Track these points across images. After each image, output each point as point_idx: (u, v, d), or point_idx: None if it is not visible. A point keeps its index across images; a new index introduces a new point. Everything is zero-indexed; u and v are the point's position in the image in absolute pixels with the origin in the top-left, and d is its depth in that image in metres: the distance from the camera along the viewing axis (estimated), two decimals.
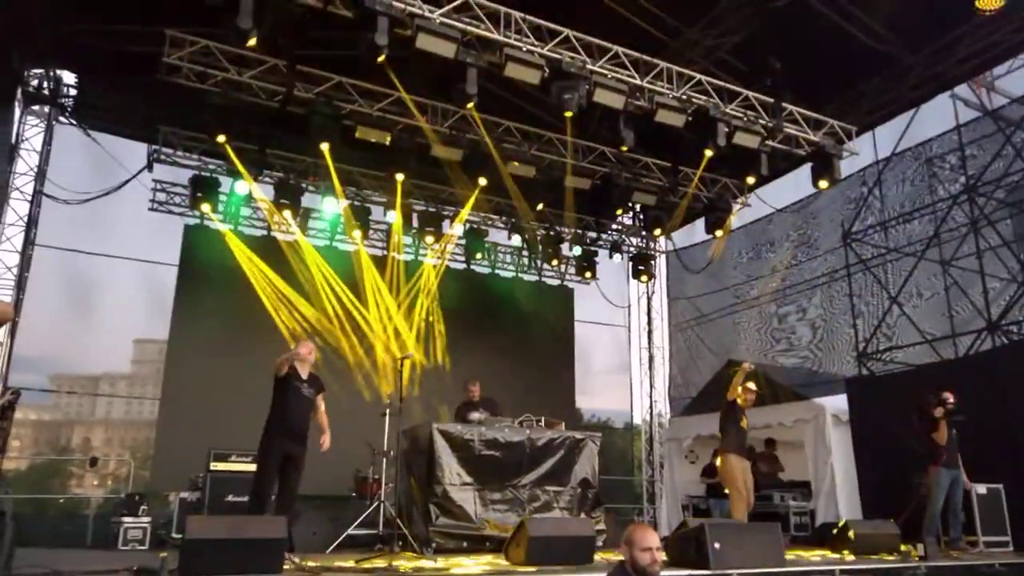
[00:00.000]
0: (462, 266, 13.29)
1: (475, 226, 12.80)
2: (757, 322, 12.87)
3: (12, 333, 9.83)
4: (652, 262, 13.99)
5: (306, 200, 11.22)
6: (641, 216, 13.63)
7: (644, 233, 13.88)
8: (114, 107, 10.36)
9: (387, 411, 7.59)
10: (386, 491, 7.56)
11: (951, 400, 7.28)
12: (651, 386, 14.80)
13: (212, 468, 8.39)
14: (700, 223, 12.57)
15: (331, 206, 11.15)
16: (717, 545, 4.99)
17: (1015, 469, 7.66)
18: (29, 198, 10.37)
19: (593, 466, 7.65)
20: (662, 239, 14.53)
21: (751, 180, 9.87)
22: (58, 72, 10.35)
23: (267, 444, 5.87)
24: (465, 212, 11.70)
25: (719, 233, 11.61)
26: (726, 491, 7.66)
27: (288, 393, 5.97)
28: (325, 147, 8.96)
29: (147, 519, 8.40)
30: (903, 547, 6.51)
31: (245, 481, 7.95)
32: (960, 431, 7.40)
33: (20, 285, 10.14)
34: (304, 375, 6.14)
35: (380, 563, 5.37)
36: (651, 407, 14.70)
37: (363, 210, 11.51)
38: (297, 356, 6.13)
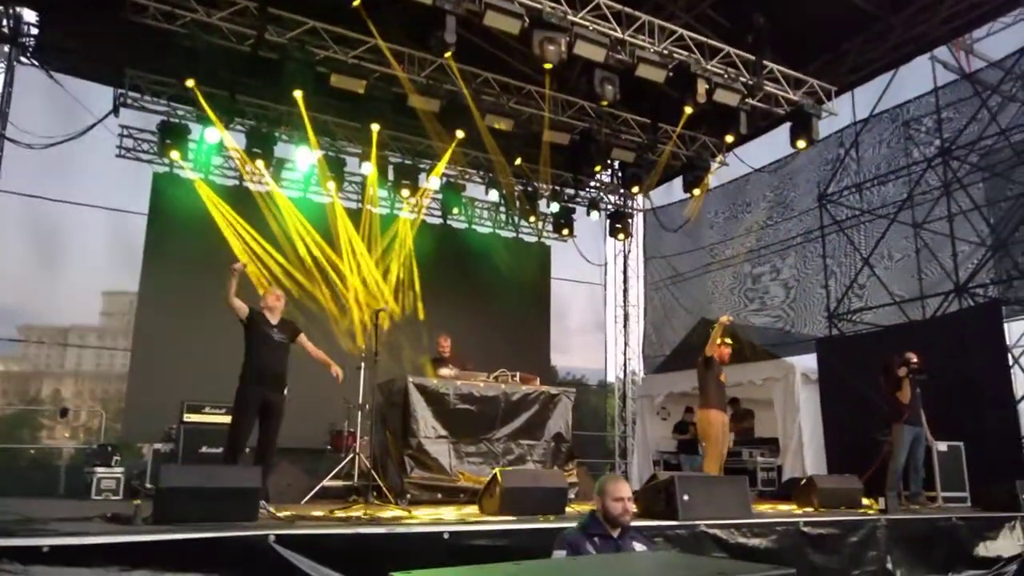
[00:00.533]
0: (438, 221, 13.18)
1: (452, 180, 12.66)
2: (731, 282, 13.00)
3: None
4: (629, 220, 14.02)
5: (279, 150, 10.98)
6: (619, 173, 13.62)
7: (622, 191, 13.87)
8: (78, 48, 9.99)
9: (362, 365, 7.58)
10: (361, 444, 7.58)
11: (915, 360, 7.45)
12: (625, 344, 14.92)
13: (185, 420, 8.33)
14: (678, 182, 12.56)
15: (305, 156, 10.92)
16: (686, 497, 5.08)
17: (975, 428, 7.90)
18: None
19: (567, 421, 7.72)
20: (640, 197, 14.52)
21: (730, 139, 9.84)
22: (18, 9, 9.90)
23: (243, 392, 5.81)
24: (442, 165, 11.53)
25: (696, 192, 11.60)
26: (701, 446, 7.79)
27: (258, 339, 5.90)
28: (298, 95, 8.75)
29: (120, 470, 8.35)
30: (865, 501, 6.70)
31: (219, 432, 7.93)
32: (924, 390, 7.59)
33: None
34: (274, 321, 6.05)
35: (355, 512, 5.40)
36: (625, 365, 14.85)
37: (337, 161, 11.31)
38: (265, 304, 6.05)
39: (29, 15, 10.00)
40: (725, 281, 13.13)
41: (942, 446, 7.82)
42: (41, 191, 11.17)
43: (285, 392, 6.01)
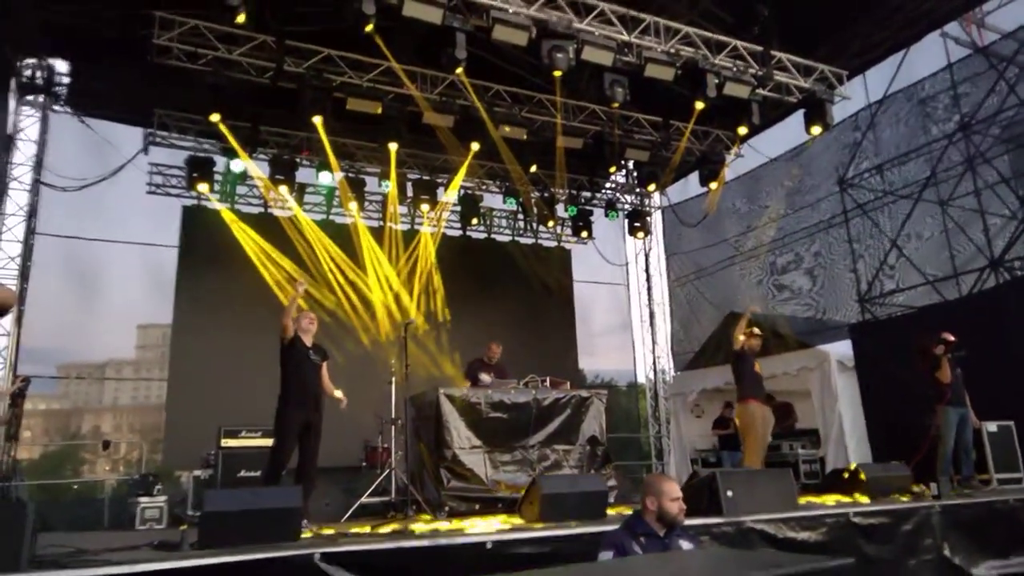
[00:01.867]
0: (458, 233, 13.21)
1: (469, 192, 12.69)
2: (757, 273, 12.81)
3: (19, 321, 9.79)
4: (648, 218, 13.95)
5: (301, 175, 11.13)
6: (635, 173, 13.57)
7: (638, 190, 13.80)
8: (108, 92, 10.23)
9: (392, 379, 7.58)
10: (396, 459, 7.57)
11: (950, 338, 7.23)
12: (653, 342, 14.80)
13: (223, 445, 8.37)
14: (694, 177, 12.45)
15: (326, 179, 11.06)
16: (730, 493, 4.97)
17: None
18: (28, 187, 10.32)
19: (600, 423, 7.62)
20: (657, 195, 14.46)
21: (743, 130, 9.74)
22: (51, 61, 10.21)
23: (284, 414, 5.83)
24: (459, 178, 11.56)
25: (713, 185, 11.51)
26: (740, 442, 7.63)
27: (298, 360, 5.96)
28: (317, 120, 8.87)
29: (162, 499, 8.41)
30: (915, 487, 6.49)
31: (256, 456, 8.02)
32: (965, 369, 7.36)
33: (23, 275, 10.11)
34: (309, 343, 6.13)
35: (396, 526, 5.38)
36: (654, 363, 14.72)
37: (358, 182, 11.41)
38: (299, 327, 6.09)
39: (61, 65, 10.29)
40: (751, 273, 12.94)
41: (992, 426, 7.56)
42: (76, 231, 11.42)
43: (322, 411, 6.04)
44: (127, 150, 10.71)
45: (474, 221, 12.92)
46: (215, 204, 11.09)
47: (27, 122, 10.40)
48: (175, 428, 10.48)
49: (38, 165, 10.42)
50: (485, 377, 7.92)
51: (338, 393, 6.22)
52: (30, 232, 10.29)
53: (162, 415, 10.94)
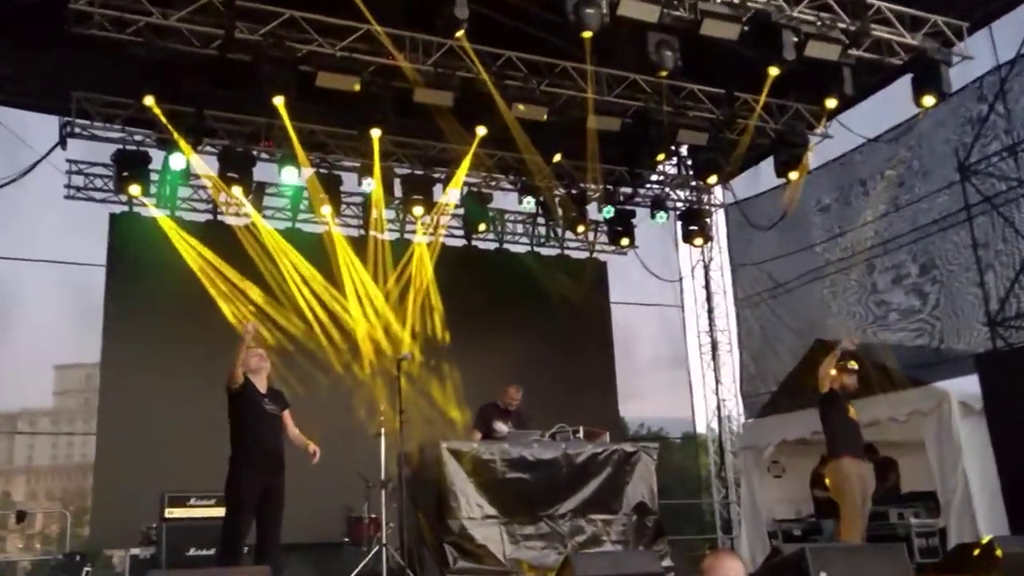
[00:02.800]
0: (461, 243, 13.31)
1: (475, 190, 12.79)
2: (851, 289, 12.75)
3: None
4: (707, 220, 13.89)
5: (259, 172, 11.25)
6: (689, 162, 13.58)
7: (695, 183, 13.81)
8: (15, 73, 10.42)
9: (381, 430, 7.63)
10: (388, 533, 7.60)
11: None
12: (716, 381, 14.75)
13: (167, 515, 8.47)
14: (767, 165, 12.41)
15: (291, 177, 11.17)
16: (824, 575, 4.96)
17: None
18: None
19: (650, 486, 7.70)
20: (718, 189, 14.41)
21: (831, 104, 9.76)
22: None
23: (237, 478, 5.95)
24: (461, 173, 11.67)
25: (793, 176, 11.48)
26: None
27: (251, 411, 6.06)
28: (279, 101, 8.98)
29: None
30: None
31: (209, 529, 8.04)
32: None
33: None
34: (262, 389, 6.21)
35: None
36: (718, 408, 14.66)
37: (332, 179, 11.53)
38: (247, 367, 6.17)
39: None
40: (843, 289, 12.88)
41: None
42: None
43: (283, 472, 6.14)
44: (40, 145, 10.91)
45: (481, 227, 12.98)
46: (151, 211, 11.25)
47: None
48: (106, 494, 10.57)
49: None
50: (501, 427, 7.97)
51: (312, 445, 6.28)
52: None
53: (89, 478, 11.07)
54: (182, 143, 9.92)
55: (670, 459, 15.61)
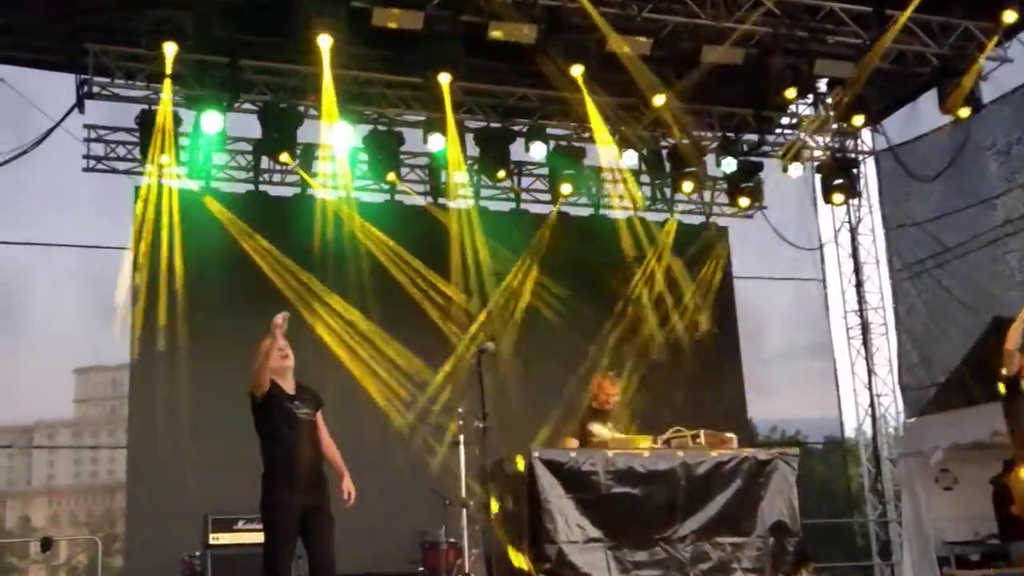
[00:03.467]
0: (546, 208, 13.31)
1: (564, 144, 12.75)
2: None
3: None
4: (854, 172, 13.64)
5: (305, 132, 11.45)
6: (829, 100, 13.28)
7: (836, 126, 13.55)
8: (22, 24, 10.63)
9: (460, 437, 7.67)
10: (471, 560, 7.65)
11: None
12: (869, 371, 14.55)
13: (212, 541, 8.67)
14: (928, 100, 12.21)
15: (343, 136, 11.27)
16: None
17: None
18: None
19: (790, 501, 7.56)
20: (867, 133, 14.15)
21: (1011, 16, 9.40)
22: None
23: (272, 501, 5.95)
24: (549, 124, 11.68)
25: (963, 112, 11.19)
26: None
27: (282, 420, 6.03)
28: (326, 44, 9.03)
29: None
30: None
31: (260, 557, 8.29)
32: None
33: None
34: (289, 389, 6.17)
35: None
36: (872, 406, 14.46)
37: (390, 138, 11.66)
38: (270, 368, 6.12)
39: None
40: None
41: None
42: None
43: (327, 488, 6.11)
44: (53, 109, 11.18)
45: (570, 189, 12.90)
46: (182, 182, 11.44)
47: None
48: (141, 517, 10.84)
49: None
50: (601, 430, 7.91)
51: (346, 483, 6.22)
52: None
53: (117, 498, 11.38)
54: (215, 100, 10.12)
55: (811, 469, 15.40)
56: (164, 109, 10.64)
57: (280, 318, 5.98)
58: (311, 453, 6.10)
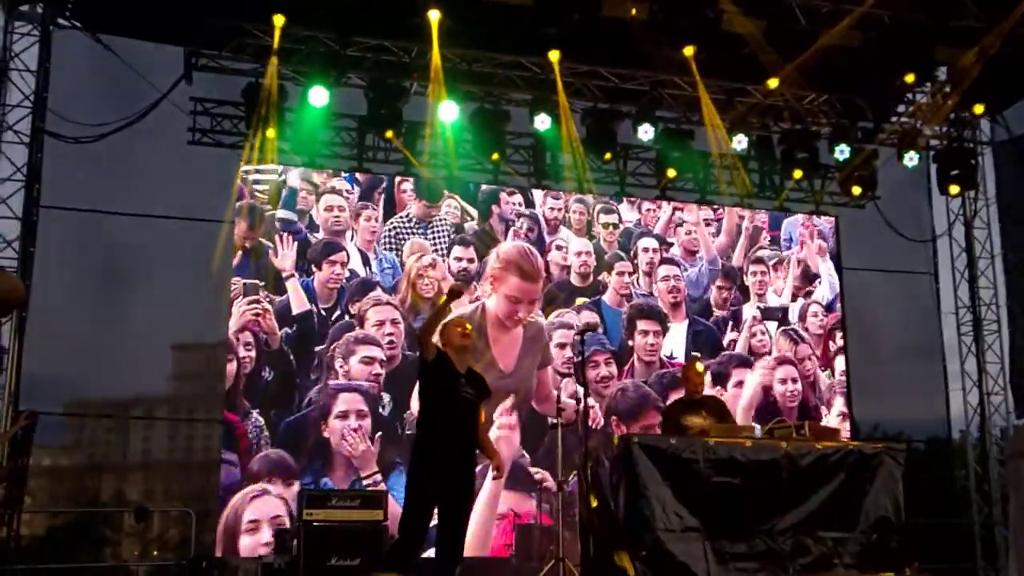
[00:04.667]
0: (652, 192, 13.30)
1: (673, 127, 12.70)
2: None
3: (19, 333, 10.67)
4: (973, 162, 13.34)
5: (411, 110, 11.61)
6: (948, 87, 13.00)
7: (954, 115, 13.28)
8: None
9: (559, 420, 7.71)
10: (565, 545, 7.68)
11: None
12: (980, 370, 14.20)
13: (307, 517, 8.83)
14: None
15: (449, 114, 11.36)
16: None
17: None
18: (27, 139, 10.99)
19: (896, 497, 7.46)
20: (985, 122, 13.90)
21: None
22: None
23: (418, 475, 6.17)
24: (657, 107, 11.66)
25: None
26: None
27: (444, 391, 6.21)
28: (435, 19, 9.13)
29: None
30: None
31: (353, 535, 8.54)
32: None
33: (25, 264, 10.77)
34: (461, 368, 6.33)
35: None
36: (981, 404, 14.12)
37: (496, 117, 11.76)
38: (446, 339, 6.34)
39: None
40: None
41: None
42: (86, 202, 12.39)
43: (474, 466, 6.33)
44: (162, 81, 11.49)
45: (671, 173, 12.85)
46: (288, 157, 11.67)
47: (21, 44, 11.07)
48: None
49: (39, 106, 11.13)
50: (695, 421, 7.88)
51: (498, 460, 6.47)
52: (32, 203, 10.96)
53: (211, 475, 11.59)
54: (322, 75, 10.29)
55: (914, 469, 15.09)
56: (270, 82, 10.84)
57: (457, 287, 6.34)
58: (467, 433, 6.29)
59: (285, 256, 11.22)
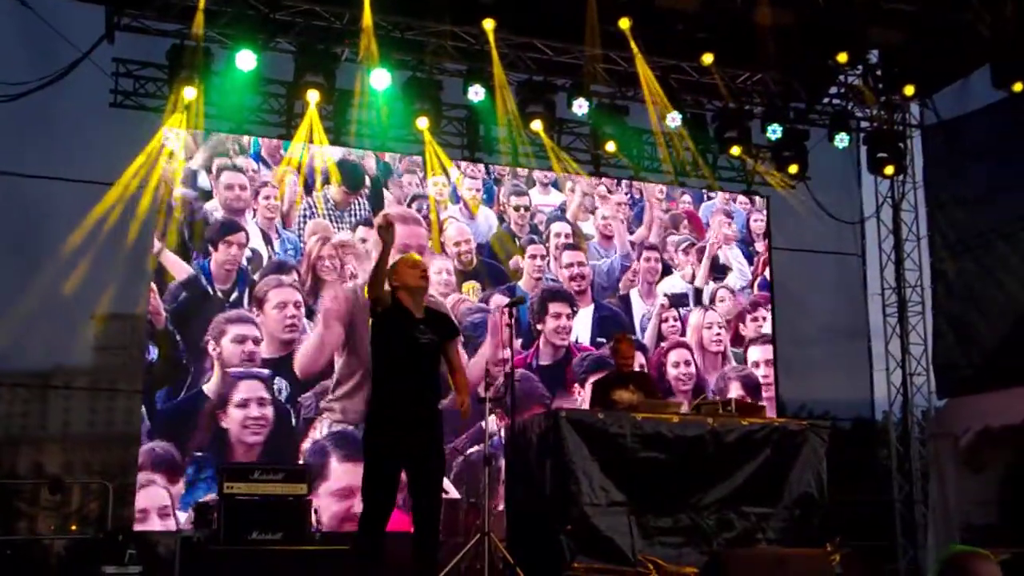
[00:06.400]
0: (587, 167, 13.31)
1: (607, 102, 12.69)
2: None
3: None
4: (902, 144, 13.54)
5: (344, 78, 11.47)
6: (878, 71, 13.16)
7: (885, 97, 13.44)
8: None
9: (487, 393, 7.68)
10: (491, 520, 7.67)
11: None
12: (903, 351, 14.43)
13: (227, 491, 8.69)
14: (981, 75, 12.08)
15: (381, 82, 11.23)
16: None
17: None
18: None
19: (819, 474, 7.57)
20: (915, 106, 14.03)
21: None
22: None
23: (372, 436, 5.82)
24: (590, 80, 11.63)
25: (1019, 88, 11.07)
26: None
27: (397, 342, 5.79)
28: None
29: (137, 569, 8.83)
30: None
31: (275, 509, 8.42)
32: None
33: None
34: (418, 312, 5.94)
35: None
36: (904, 384, 14.34)
37: (430, 86, 11.63)
38: (400, 281, 5.87)
39: None
40: None
41: None
42: (11, 164, 12.18)
43: (436, 430, 5.96)
44: (82, 40, 11.14)
45: (612, 149, 12.84)
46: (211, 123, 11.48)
47: None
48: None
49: None
50: (624, 395, 7.91)
51: (461, 398, 6.09)
52: None
53: (132, 449, 11.39)
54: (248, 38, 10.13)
55: (839, 447, 15.35)
56: (196, 44, 10.62)
57: (383, 218, 5.91)
58: (426, 387, 5.90)
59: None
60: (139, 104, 11.84)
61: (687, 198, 13.50)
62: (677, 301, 12.99)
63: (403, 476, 5.91)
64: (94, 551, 9.31)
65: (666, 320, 12.84)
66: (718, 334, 13.07)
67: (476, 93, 11.43)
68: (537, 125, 11.78)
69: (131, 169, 11.05)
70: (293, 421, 10.76)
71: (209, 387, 10.63)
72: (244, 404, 10.55)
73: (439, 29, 11.40)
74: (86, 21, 11.34)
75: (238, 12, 10.15)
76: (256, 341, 10.79)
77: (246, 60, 10.55)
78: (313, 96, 10.90)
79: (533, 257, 12.30)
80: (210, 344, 10.66)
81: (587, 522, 6.88)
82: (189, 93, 10.75)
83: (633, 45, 10.71)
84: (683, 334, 12.88)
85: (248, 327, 10.83)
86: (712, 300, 13.21)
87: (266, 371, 10.76)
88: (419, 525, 5.83)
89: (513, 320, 7.32)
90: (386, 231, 5.72)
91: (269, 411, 10.62)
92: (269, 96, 12.10)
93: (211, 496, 9.27)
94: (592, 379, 10.15)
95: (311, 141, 11.44)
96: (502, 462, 8.72)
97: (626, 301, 12.74)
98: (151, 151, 11.20)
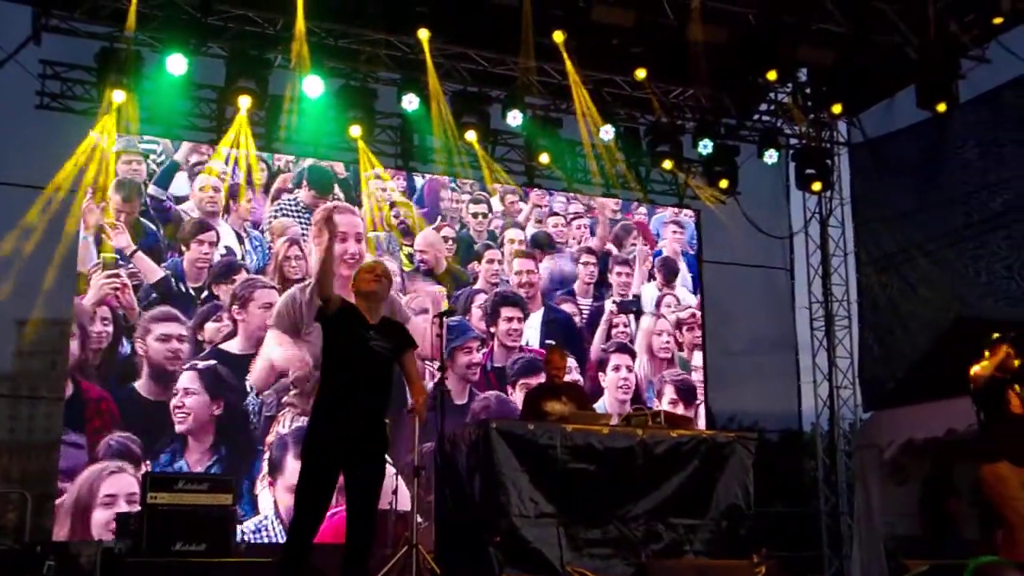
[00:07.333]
0: (520, 179, 13.31)
1: (541, 114, 12.71)
2: (1006, 252, 12.46)
3: None
4: (829, 161, 13.73)
5: (276, 83, 11.37)
6: (807, 90, 13.37)
7: (813, 115, 13.63)
8: None
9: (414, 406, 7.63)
10: (420, 532, 7.63)
11: None
12: (830, 364, 14.62)
13: (151, 500, 8.53)
14: (906, 96, 12.25)
15: (313, 89, 11.15)
16: None
17: None
18: None
19: (745, 485, 7.60)
20: (842, 124, 14.22)
21: (997, 20, 9.48)
22: None
23: (310, 441, 5.66)
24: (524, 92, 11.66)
25: (940, 107, 11.23)
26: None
27: (347, 346, 5.67)
28: None
29: None
30: None
31: (200, 520, 8.27)
32: None
33: None
34: (373, 318, 5.84)
35: None
36: (831, 397, 14.54)
37: (364, 94, 11.60)
38: (355, 286, 5.83)
39: None
40: (996, 252, 12.59)
41: None
42: None
43: (381, 447, 5.84)
44: (7, 41, 10.91)
45: (545, 160, 12.88)
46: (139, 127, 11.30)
47: None
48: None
49: None
50: (556, 406, 7.91)
51: (417, 404, 6.09)
52: None
53: (53, 457, 11.19)
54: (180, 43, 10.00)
55: (768, 459, 15.50)
56: (126, 47, 10.44)
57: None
58: (374, 395, 5.76)
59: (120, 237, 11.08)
60: (66, 107, 11.67)
61: (643, 210, 13.77)
62: (626, 307, 13.23)
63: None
64: (12, 563, 9.09)
65: (616, 326, 13.08)
66: (667, 342, 13.42)
67: (410, 102, 11.40)
68: (471, 135, 11.83)
69: (61, 173, 10.90)
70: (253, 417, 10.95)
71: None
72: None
73: (374, 37, 11.36)
74: (12, 22, 11.16)
75: (170, 16, 9.99)
76: (179, 339, 10.88)
77: (177, 64, 10.43)
78: (245, 102, 10.84)
79: (491, 262, 12.52)
80: (138, 344, 10.74)
81: (516, 533, 6.83)
82: (118, 96, 10.62)
83: (567, 58, 10.76)
84: (632, 341, 13.13)
85: (174, 325, 10.90)
86: (658, 306, 13.51)
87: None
88: (352, 532, 5.67)
89: (444, 330, 7.28)
90: (328, 222, 5.73)
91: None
92: (200, 101, 11.99)
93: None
94: (522, 382, 10.19)
95: (238, 146, 11.40)
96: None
97: (576, 306, 12.96)
98: (80, 154, 11.04)
